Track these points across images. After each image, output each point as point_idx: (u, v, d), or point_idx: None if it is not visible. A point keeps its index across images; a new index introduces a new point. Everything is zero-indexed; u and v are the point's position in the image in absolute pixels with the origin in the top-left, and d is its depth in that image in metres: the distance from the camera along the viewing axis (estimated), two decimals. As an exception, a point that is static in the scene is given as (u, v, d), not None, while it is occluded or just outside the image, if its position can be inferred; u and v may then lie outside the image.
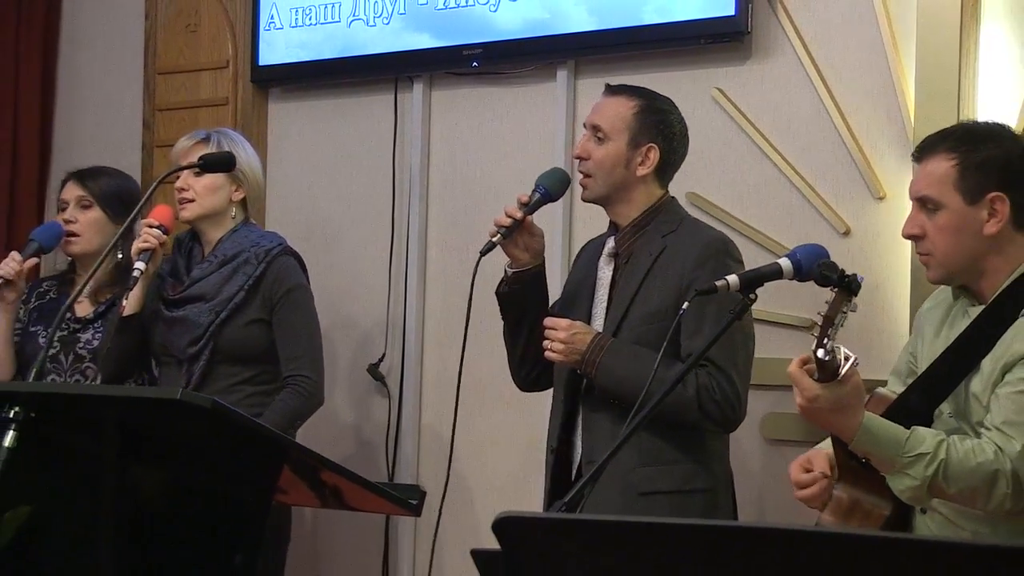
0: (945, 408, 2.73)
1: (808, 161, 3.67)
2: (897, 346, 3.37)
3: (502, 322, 3.41)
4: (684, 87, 3.78)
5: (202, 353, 3.66)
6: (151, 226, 3.60)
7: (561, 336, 3.18)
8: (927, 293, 3.15)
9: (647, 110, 3.26)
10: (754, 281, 2.68)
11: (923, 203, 2.71)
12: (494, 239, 3.29)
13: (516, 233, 3.29)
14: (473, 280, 3.28)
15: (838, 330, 2.51)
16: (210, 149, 3.70)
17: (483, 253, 3.29)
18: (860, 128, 3.58)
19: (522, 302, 3.35)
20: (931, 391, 2.74)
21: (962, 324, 2.75)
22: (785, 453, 3.65)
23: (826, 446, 2.86)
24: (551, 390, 3.42)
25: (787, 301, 3.56)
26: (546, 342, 3.22)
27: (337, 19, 4.46)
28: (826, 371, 2.52)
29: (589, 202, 3.35)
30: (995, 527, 2.65)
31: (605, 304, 3.28)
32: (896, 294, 3.43)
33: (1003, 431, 2.58)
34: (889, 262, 3.43)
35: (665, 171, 3.30)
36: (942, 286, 2.85)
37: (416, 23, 4.28)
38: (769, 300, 3.18)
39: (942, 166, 2.69)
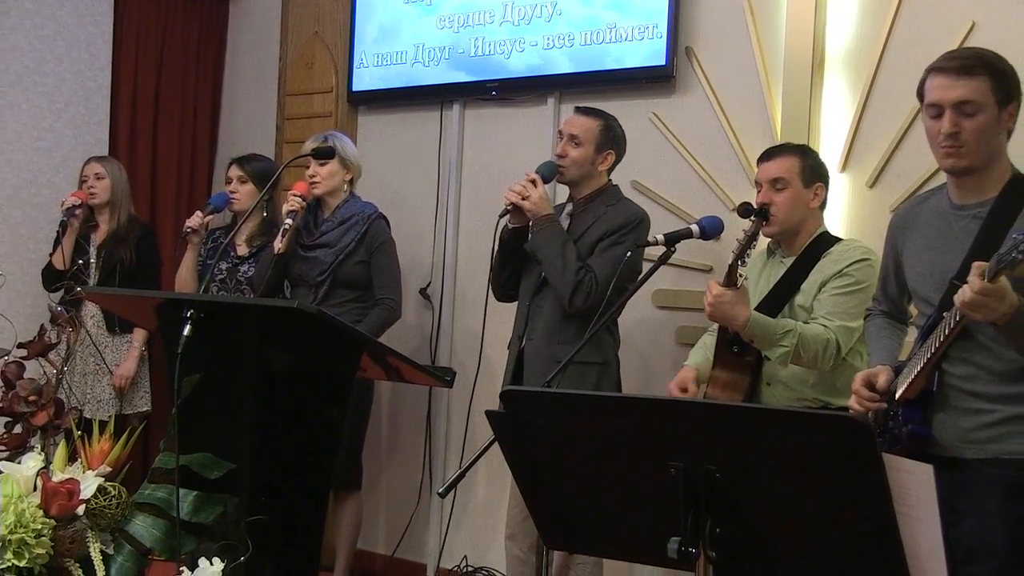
0: None
1: (710, 161, 3.60)
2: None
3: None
4: (631, 111, 3.70)
5: (325, 281, 3.61)
6: (294, 195, 3.58)
7: (539, 192, 3.14)
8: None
9: (607, 128, 3.25)
10: (674, 239, 2.72)
11: (774, 183, 2.77)
12: (508, 207, 3.25)
13: None
14: (496, 231, 3.25)
15: (754, 245, 2.62)
16: (327, 144, 3.65)
17: (501, 216, 3.26)
18: (745, 140, 3.51)
19: (515, 247, 3.31)
20: (771, 308, 2.76)
21: (780, 269, 2.82)
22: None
23: (692, 363, 2.90)
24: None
25: (694, 253, 3.50)
26: (513, 189, 3.15)
27: (404, 61, 4.36)
28: (730, 278, 2.58)
29: (563, 183, 3.32)
30: (813, 387, 2.73)
31: None
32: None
33: (827, 318, 2.66)
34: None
35: (612, 168, 3.28)
36: (757, 250, 2.84)
37: (456, 65, 4.18)
38: (682, 252, 3.09)
39: (791, 160, 2.79)
